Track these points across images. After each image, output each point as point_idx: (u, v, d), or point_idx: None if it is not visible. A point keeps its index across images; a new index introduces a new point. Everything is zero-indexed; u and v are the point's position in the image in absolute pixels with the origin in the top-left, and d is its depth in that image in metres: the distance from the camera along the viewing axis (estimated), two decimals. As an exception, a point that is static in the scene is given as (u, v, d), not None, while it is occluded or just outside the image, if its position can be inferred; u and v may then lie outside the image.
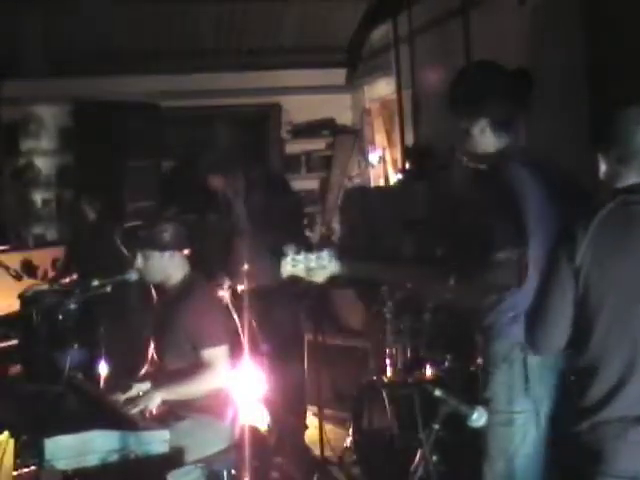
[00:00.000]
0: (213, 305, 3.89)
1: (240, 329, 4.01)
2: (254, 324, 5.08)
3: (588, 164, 2.61)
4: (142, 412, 3.50)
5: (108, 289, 4.37)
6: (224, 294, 4.58)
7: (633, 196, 2.30)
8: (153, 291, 5.25)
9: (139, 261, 3.84)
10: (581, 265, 2.30)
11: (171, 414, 3.68)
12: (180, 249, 3.90)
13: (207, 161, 5.40)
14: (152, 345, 4.01)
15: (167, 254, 3.83)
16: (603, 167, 2.37)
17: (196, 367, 3.71)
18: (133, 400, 3.59)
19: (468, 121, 2.92)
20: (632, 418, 2.27)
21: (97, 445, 3.01)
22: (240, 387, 3.87)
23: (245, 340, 3.85)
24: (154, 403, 3.56)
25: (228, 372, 3.73)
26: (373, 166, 8.74)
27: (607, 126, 2.39)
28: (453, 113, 2.99)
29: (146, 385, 3.75)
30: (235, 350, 3.87)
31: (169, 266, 3.87)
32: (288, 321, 5.10)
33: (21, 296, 5.34)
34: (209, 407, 3.70)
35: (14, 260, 5.87)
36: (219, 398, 3.74)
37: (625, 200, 2.29)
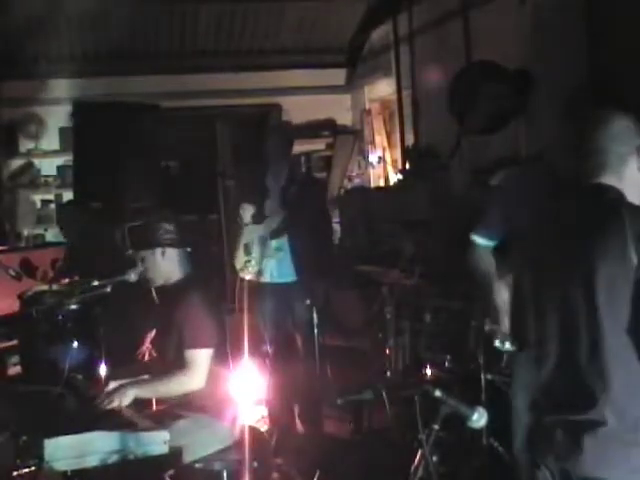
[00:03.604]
0: (206, 308, 3.84)
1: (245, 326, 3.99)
2: (261, 322, 5.09)
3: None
4: (116, 408, 3.48)
5: (108, 289, 4.36)
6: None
7: (578, 192, 2.41)
8: (153, 292, 5.26)
9: (138, 264, 3.82)
10: (528, 259, 2.42)
11: (170, 413, 3.67)
12: (175, 247, 3.87)
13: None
14: (152, 343, 4.00)
15: (159, 252, 3.81)
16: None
17: (175, 367, 3.70)
18: (108, 395, 3.57)
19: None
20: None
21: (97, 446, 3.01)
22: (241, 387, 3.86)
23: (246, 339, 3.84)
24: (127, 399, 3.54)
25: (205, 375, 3.67)
26: (373, 166, 8.74)
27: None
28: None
29: (120, 381, 3.73)
30: (233, 353, 3.85)
31: (165, 265, 3.84)
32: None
33: (21, 296, 5.33)
34: (208, 407, 3.69)
35: (13, 260, 5.87)
36: (218, 398, 3.73)
37: (575, 195, 2.40)
